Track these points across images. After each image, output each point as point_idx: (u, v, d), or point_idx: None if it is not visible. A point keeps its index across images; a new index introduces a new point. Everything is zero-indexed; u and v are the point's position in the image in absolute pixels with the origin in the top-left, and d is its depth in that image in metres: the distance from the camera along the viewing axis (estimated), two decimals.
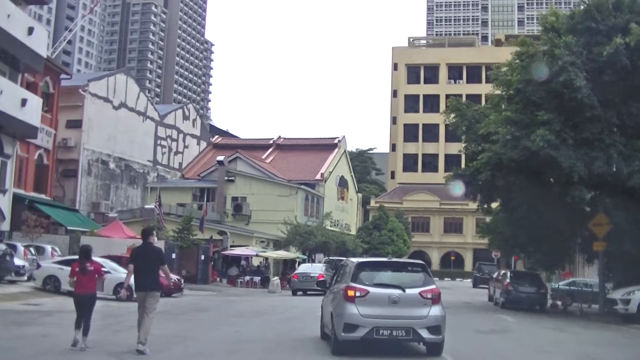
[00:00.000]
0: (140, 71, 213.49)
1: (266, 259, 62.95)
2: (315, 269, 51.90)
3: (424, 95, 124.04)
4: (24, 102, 43.82)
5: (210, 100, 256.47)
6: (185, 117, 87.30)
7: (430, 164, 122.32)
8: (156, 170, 79.76)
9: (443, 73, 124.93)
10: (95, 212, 65.32)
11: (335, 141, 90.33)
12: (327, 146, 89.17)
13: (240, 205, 74.28)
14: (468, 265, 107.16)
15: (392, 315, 16.65)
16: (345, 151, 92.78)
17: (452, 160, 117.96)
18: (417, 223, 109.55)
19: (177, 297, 41.19)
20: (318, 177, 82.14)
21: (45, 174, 56.31)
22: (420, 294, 17.00)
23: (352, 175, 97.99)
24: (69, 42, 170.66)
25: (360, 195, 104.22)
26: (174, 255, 51.49)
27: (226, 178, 75.95)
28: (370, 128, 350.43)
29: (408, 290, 16.93)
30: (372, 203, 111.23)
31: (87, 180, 67.06)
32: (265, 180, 76.75)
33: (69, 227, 51.44)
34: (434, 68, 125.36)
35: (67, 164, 65.50)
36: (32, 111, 45.48)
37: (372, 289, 16.89)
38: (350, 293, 16.80)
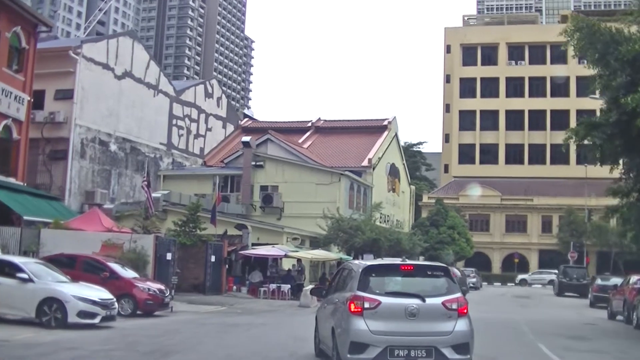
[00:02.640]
0: (178, 67, 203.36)
1: (299, 260, 48.22)
2: None
3: (482, 79, 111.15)
4: None
5: (250, 99, 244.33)
6: (208, 95, 72.21)
7: (489, 155, 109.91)
8: (171, 156, 65.02)
9: (502, 53, 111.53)
10: (89, 203, 50.85)
11: (385, 123, 75.32)
12: (375, 129, 74.34)
13: (270, 195, 59.66)
14: (533, 268, 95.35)
15: (409, 331, 13.71)
16: (396, 135, 77.68)
17: (513, 151, 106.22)
18: (475, 221, 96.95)
19: (158, 317, 28.90)
20: (365, 163, 67.31)
21: (14, 151, 42.60)
22: (443, 304, 13.97)
23: (404, 164, 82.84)
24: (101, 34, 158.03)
25: (413, 187, 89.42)
26: (169, 256, 37.00)
27: (253, 163, 61.52)
28: (419, 121, 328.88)
29: (429, 300, 13.94)
30: (425, 199, 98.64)
31: (80, 164, 52.70)
32: (301, 166, 62.18)
33: (25, 217, 36.95)
34: (492, 48, 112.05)
35: (56, 144, 51.50)
36: None
37: (384, 299, 13.90)
38: (358, 304, 13.83)
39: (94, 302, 22.92)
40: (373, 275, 14.57)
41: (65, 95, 51.78)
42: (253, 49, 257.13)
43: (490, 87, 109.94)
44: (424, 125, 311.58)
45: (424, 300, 13.95)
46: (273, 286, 43.83)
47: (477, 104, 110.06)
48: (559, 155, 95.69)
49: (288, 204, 59.80)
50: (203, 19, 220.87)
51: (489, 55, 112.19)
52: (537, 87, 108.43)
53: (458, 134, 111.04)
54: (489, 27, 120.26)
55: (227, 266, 45.10)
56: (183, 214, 44.27)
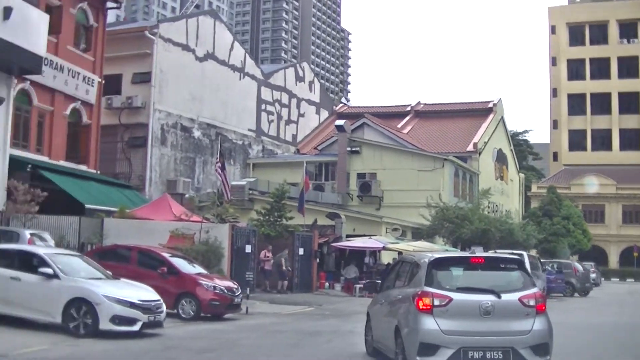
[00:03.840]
0: (275, 62, 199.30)
1: (400, 253, 42.37)
2: None
3: (591, 60, 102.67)
4: (6, 12, 27.66)
5: (349, 91, 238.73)
6: (299, 78, 66.84)
7: (601, 140, 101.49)
8: (260, 143, 59.91)
9: (613, 31, 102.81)
10: (171, 193, 46.08)
11: (490, 105, 68.84)
12: (479, 111, 67.99)
13: (368, 183, 54.06)
14: None
15: (484, 330, 12.61)
16: (502, 119, 71.10)
17: (628, 136, 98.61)
18: (589, 212, 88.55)
19: (226, 320, 24.00)
20: (470, 148, 61.16)
21: (84, 137, 38.50)
22: (520, 300, 12.96)
23: (511, 150, 76.19)
24: None
25: (522, 175, 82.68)
26: (248, 248, 31.81)
27: (349, 149, 56.06)
28: (523, 108, 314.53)
29: (504, 296, 12.86)
30: (534, 189, 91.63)
31: (161, 152, 48.18)
32: (400, 151, 56.46)
33: (88, 205, 32.13)
34: (601, 26, 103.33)
35: (135, 130, 47.44)
36: (25, 29, 29.25)
37: (455, 295, 12.81)
38: (427, 301, 12.76)
39: (132, 305, 17.72)
40: (441, 269, 13.46)
41: (143, 78, 47.88)
42: (350, 41, 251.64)
43: (600, 68, 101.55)
44: (529, 112, 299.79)
45: (499, 297, 12.86)
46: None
47: (587, 86, 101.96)
48: None
49: (387, 192, 54.31)
50: (298, 12, 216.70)
51: (598, 34, 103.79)
52: None
53: (567, 120, 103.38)
54: (597, 3, 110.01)
55: (317, 260, 39.66)
56: (267, 202, 39.08)
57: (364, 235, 41.85)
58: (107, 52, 42.04)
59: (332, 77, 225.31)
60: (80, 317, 17.38)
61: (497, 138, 68.45)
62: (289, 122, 64.39)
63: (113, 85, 45.75)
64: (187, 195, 44.17)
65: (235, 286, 24.34)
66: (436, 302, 12.76)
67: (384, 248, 39.26)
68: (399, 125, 66.01)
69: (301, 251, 37.16)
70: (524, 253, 38.39)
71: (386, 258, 43.35)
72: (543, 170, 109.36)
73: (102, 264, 21.08)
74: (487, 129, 64.89)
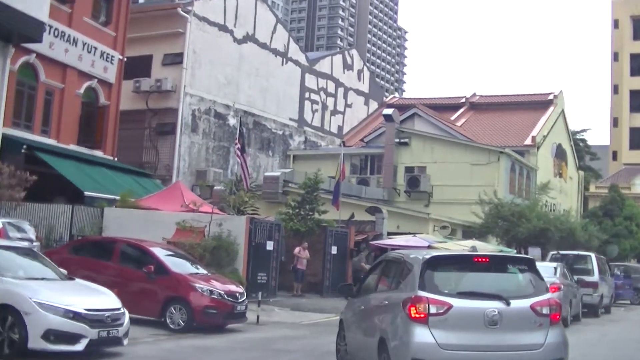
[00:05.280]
0: None
1: None
2: (542, 272, 25.56)
3: None
4: None
5: (404, 90, 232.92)
6: (347, 66, 61.72)
7: None
8: (303, 134, 55.05)
9: None
10: (200, 185, 41.63)
11: (550, 97, 63.20)
12: (538, 104, 62.32)
13: (416, 178, 48.90)
14: None
15: (490, 344, 10.60)
16: (563, 112, 65.50)
17: None
18: None
19: (225, 333, 19.42)
20: (528, 142, 55.63)
21: (101, 119, 34.56)
22: (532, 307, 11.00)
23: (571, 146, 70.31)
24: None
25: (581, 173, 76.94)
26: (270, 245, 27.05)
27: (397, 140, 50.80)
28: (581, 107, 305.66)
29: (514, 303, 10.85)
30: (593, 188, 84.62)
31: (192, 140, 43.74)
32: (453, 143, 51.18)
33: (87, 193, 27.67)
34: None
35: (163, 116, 42.91)
36: None
37: (456, 302, 10.69)
38: (421, 308, 10.58)
39: (76, 316, 12.93)
40: (438, 269, 11.20)
41: (174, 60, 43.47)
42: (406, 40, 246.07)
43: None
44: (587, 112, 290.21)
45: (507, 303, 10.74)
46: None
47: None
48: None
49: (437, 187, 49.13)
50: (355, 9, 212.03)
51: None
52: None
53: (629, 117, 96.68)
54: None
55: (352, 259, 34.53)
56: (299, 193, 34.33)
57: (409, 234, 36.70)
58: (137, 31, 38.68)
59: (388, 76, 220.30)
60: (5, 331, 12.73)
61: (556, 132, 62.80)
62: (334, 112, 59.35)
63: (142, 67, 42.01)
64: (216, 187, 39.47)
65: (240, 290, 19.56)
66: (432, 310, 10.62)
67: (429, 247, 34.01)
68: (453, 118, 60.79)
69: (334, 250, 32.13)
70: (592, 255, 33.33)
71: None
72: (600, 171, 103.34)
73: (75, 260, 17.10)
74: (546, 122, 59.32)
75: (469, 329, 10.67)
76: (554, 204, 56.99)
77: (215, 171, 43.91)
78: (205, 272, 20.11)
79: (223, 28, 46.07)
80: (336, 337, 14.29)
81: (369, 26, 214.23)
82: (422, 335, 10.51)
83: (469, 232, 43.27)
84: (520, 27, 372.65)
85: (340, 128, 59.90)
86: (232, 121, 47.04)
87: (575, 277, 28.84)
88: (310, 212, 31.70)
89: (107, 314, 13.52)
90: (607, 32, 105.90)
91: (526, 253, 42.44)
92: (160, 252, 19.48)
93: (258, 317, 21.09)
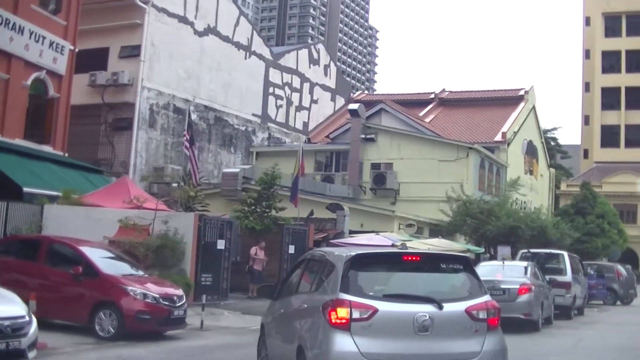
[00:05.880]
0: None
1: None
2: (511, 272, 24.55)
3: (627, 52, 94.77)
4: None
5: (375, 90, 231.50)
6: (313, 61, 59.99)
7: (636, 137, 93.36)
8: (266, 130, 53.21)
9: None
10: (158, 183, 39.84)
11: (521, 92, 61.88)
12: (508, 100, 61.01)
13: (382, 175, 47.26)
14: None
15: (420, 352, 9.52)
16: (534, 107, 64.22)
17: None
18: (620, 212, 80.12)
19: (158, 341, 17.28)
20: (498, 138, 54.26)
21: (50, 113, 32.51)
22: (468, 311, 9.88)
23: (542, 143, 69.15)
24: None
25: (553, 170, 75.81)
26: (221, 244, 25.27)
27: (363, 136, 49.12)
28: (551, 106, 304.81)
29: (447, 306, 9.76)
30: (564, 187, 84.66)
31: (149, 135, 41.96)
32: (420, 138, 49.53)
33: (26, 189, 25.73)
34: (638, 16, 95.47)
35: (120, 111, 41.14)
36: None
37: (382, 305, 9.57)
38: (342, 313, 9.45)
39: None
40: (363, 269, 9.99)
41: (132, 52, 41.75)
42: (377, 39, 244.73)
43: (637, 61, 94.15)
44: (559, 110, 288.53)
45: (440, 307, 9.59)
46: None
47: (622, 80, 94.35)
48: None
49: (405, 185, 47.52)
50: (326, 8, 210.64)
51: (636, 24, 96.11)
52: None
53: (600, 115, 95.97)
54: None
55: None
56: (256, 190, 32.53)
57: (372, 232, 34.95)
58: (92, 22, 37.24)
59: (359, 75, 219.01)
60: None
61: (527, 129, 61.58)
62: (300, 108, 57.53)
63: (98, 60, 40.43)
64: (174, 184, 37.64)
65: (178, 293, 17.69)
66: (355, 315, 9.49)
67: (393, 246, 32.34)
68: (421, 114, 59.24)
69: (292, 249, 30.25)
70: (564, 253, 31.71)
71: None
72: (572, 170, 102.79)
73: None
74: (517, 118, 58.07)
75: (396, 335, 9.54)
76: (524, 202, 55.62)
77: (174, 168, 41.98)
78: (141, 273, 18.31)
79: (183, 20, 44.33)
80: (257, 343, 13.08)
81: (340, 25, 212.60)
82: (343, 343, 9.41)
83: (436, 230, 41.66)
84: (492, 24, 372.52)
85: (305, 124, 58.14)
86: (193, 116, 45.16)
87: (547, 277, 27.04)
88: (267, 209, 29.87)
89: (6, 322, 11.65)
90: (578, 30, 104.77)
91: (495, 252, 41.15)
92: (91, 252, 17.61)
93: (202, 322, 19.28)
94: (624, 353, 18.51)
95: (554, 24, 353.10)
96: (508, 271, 24.52)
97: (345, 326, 9.42)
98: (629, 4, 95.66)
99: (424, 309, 9.63)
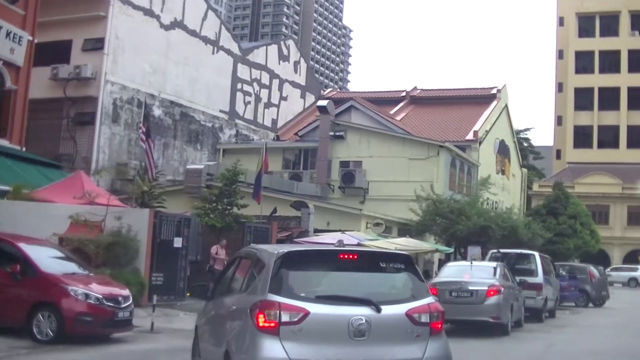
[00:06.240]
0: None
1: None
2: (479, 273, 23.31)
3: (600, 52, 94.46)
4: None
5: (349, 90, 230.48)
6: (283, 57, 58.84)
7: (609, 138, 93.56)
8: (234, 127, 52.01)
9: (624, 23, 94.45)
10: (121, 179, 38.75)
11: (493, 91, 61.17)
12: (481, 98, 60.30)
13: (351, 173, 46.34)
14: None
15: (356, 359, 8.80)
16: (506, 106, 63.61)
17: (637, 133, 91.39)
18: (593, 213, 79.76)
19: (103, 344, 16.22)
20: (470, 136, 53.61)
21: (7, 105, 31.09)
22: (408, 314, 9.11)
23: (515, 142, 68.52)
24: None
25: (525, 170, 75.19)
26: (178, 242, 24.22)
27: (332, 133, 48.17)
28: (524, 106, 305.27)
29: (386, 309, 8.97)
30: (536, 187, 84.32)
31: (112, 131, 40.95)
32: (390, 136, 48.67)
33: None
34: (612, 17, 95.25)
35: (82, 105, 40.04)
36: None
37: (314, 307, 8.80)
38: (271, 316, 8.70)
39: None
40: (295, 268, 9.13)
41: (95, 45, 40.71)
42: (351, 38, 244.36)
43: (610, 62, 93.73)
44: (532, 110, 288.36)
45: (378, 310, 8.82)
46: None
47: (595, 80, 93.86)
48: None
49: (374, 184, 46.66)
50: (300, 7, 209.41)
51: (609, 25, 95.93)
52: None
53: (573, 115, 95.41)
54: None
55: None
56: (217, 186, 31.38)
57: (339, 231, 33.85)
58: (55, 14, 36.42)
59: (332, 75, 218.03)
60: None
61: (499, 128, 60.90)
62: (268, 105, 56.36)
63: (61, 53, 39.61)
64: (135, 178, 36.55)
65: (124, 294, 16.58)
66: (285, 318, 8.72)
67: (358, 244, 31.16)
68: (392, 112, 58.34)
69: None
70: (536, 253, 30.65)
71: None
72: (544, 171, 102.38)
73: None
74: (489, 116, 57.43)
75: (329, 340, 8.79)
76: (496, 202, 54.93)
77: (137, 164, 40.94)
78: (86, 272, 17.19)
79: (149, 12, 43.35)
80: (192, 347, 12.13)
81: (314, 24, 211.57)
82: (271, 348, 8.67)
83: (405, 229, 40.67)
84: (466, 24, 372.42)
85: (274, 121, 57.03)
86: (158, 112, 44.50)
87: (518, 279, 25.91)
88: (229, 206, 28.73)
89: None
90: (552, 30, 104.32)
91: (466, 252, 40.25)
92: (31, 249, 16.46)
93: (152, 324, 18.18)
94: (596, 358, 17.61)
95: (528, 24, 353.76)
96: (476, 272, 23.26)
97: (274, 330, 8.69)
98: (603, 4, 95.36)
99: (361, 312, 8.91)
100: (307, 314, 8.72)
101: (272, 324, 8.69)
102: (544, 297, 28.16)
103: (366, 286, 9.44)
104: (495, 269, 23.66)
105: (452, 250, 40.79)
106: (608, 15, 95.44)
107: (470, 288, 21.76)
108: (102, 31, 40.31)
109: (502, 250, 31.59)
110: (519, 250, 32.45)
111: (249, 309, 8.96)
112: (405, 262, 9.74)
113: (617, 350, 19.27)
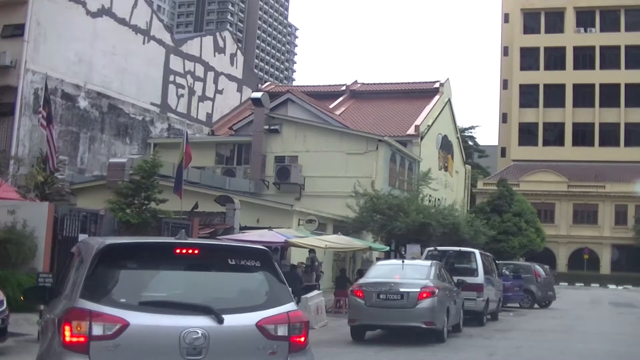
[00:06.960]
0: None
1: (312, 252, 32.86)
2: (412, 273, 20.93)
3: (546, 49, 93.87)
4: None
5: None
6: (219, 49, 56.81)
7: (554, 135, 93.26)
8: (166, 120, 49.97)
9: (570, 19, 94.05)
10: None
11: (436, 85, 59.80)
12: (423, 92, 58.95)
13: (287, 168, 44.56)
14: (605, 267, 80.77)
15: None
16: (449, 101, 62.21)
17: (582, 131, 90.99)
18: (538, 211, 78.93)
19: None
20: (411, 131, 51.97)
21: None
22: (260, 326, 7.17)
23: (458, 138, 67.12)
24: None
25: (469, 167, 73.93)
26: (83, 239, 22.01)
27: (267, 127, 46.32)
28: (469, 104, 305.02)
29: (230, 319, 7.02)
30: (481, 185, 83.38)
31: (33, 123, 38.57)
32: (327, 130, 47.05)
33: None
34: (558, 14, 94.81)
35: (2, 95, 38.63)
36: None
37: (135, 317, 6.79)
38: (79, 329, 6.68)
39: None
40: (117, 265, 7.11)
41: (14, 32, 39.14)
42: (297, 37, 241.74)
43: (555, 58, 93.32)
44: (476, 108, 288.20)
45: (219, 320, 6.89)
46: None
47: (540, 77, 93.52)
48: (635, 136, 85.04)
49: (310, 179, 45.05)
50: (244, 4, 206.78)
51: (555, 21, 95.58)
52: (610, 57, 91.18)
53: (518, 112, 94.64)
54: None
55: None
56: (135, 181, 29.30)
57: (268, 228, 31.86)
58: None
59: (277, 73, 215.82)
60: None
61: (442, 123, 59.43)
62: (203, 98, 54.30)
63: None
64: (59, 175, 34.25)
65: None
66: (97, 331, 6.60)
67: (286, 243, 29.12)
68: (332, 106, 56.58)
69: None
70: (476, 251, 28.72)
71: (298, 257, 33.82)
72: (489, 169, 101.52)
73: None
74: (431, 111, 55.96)
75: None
76: (438, 199, 53.32)
77: (61, 158, 38.64)
78: None
79: None
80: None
81: (259, 22, 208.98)
82: None
83: (341, 227, 38.77)
84: (412, 20, 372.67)
85: (209, 115, 55.01)
86: (84, 103, 42.51)
87: (456, 279, 23.82)
88: (146, 200, 26.66)
89: None
90: (497, 26, 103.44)
91: (405, 250, 38.53)
92: None
93: (39, 332, 16.10)
94: None
95: (473, 21, 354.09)
96: (408, 272, 20.84)
97: (82, 347, 6.68)
98: (548, 1, 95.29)
99: (197, 323, 6.94)
100: (125, 325, 6.75)
101: (82, 339, 6.71)
102: (485, 298, 26.21)
103: (208, 289, 7.53)
104: (430, 268, 21.44)
105: (388, 248, 39.03)
106: (553, 12, 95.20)
107: (401, 290, 19.41)
108: (22, 17, 38.69)
109: (439, 248, 29.66)
110: (457, 248, 30.46)
111: (57, 320, 7.05)
112: (262, 258, 7.77)
113: (574, 353, 17.73)
